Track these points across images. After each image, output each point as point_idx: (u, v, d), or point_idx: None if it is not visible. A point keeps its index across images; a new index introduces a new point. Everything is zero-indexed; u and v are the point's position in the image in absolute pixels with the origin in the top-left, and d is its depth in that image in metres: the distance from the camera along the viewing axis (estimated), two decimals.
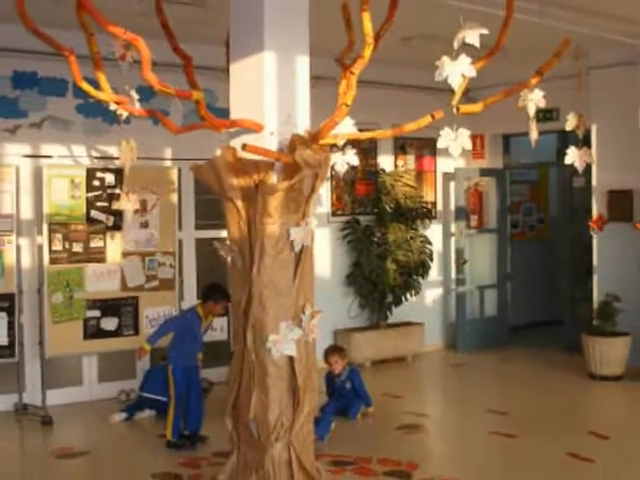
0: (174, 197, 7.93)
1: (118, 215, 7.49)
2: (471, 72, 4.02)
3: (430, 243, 10.04)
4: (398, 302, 9.77)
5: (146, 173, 7.55)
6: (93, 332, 7.50)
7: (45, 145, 7.65)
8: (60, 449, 6.36)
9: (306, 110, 4.77)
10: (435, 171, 10.59)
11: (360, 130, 4.71)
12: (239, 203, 4.64)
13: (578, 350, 8.78)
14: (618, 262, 8.81)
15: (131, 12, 5.69)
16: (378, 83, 9.15)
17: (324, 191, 9.36)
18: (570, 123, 5.06)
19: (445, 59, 3.98)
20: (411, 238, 9.80)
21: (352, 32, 4.98)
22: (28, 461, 6.41)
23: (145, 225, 7.74)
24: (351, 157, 4.81)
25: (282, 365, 4.66)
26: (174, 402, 6.39)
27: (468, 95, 8.36)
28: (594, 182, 9.03)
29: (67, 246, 7.38)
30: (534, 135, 4.73)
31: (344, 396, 7.21)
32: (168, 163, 8.22)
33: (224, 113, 4.98)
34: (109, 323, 7.58)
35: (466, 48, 3.94)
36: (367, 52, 4.25)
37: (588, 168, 6.71)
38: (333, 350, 7.43)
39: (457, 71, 3.99)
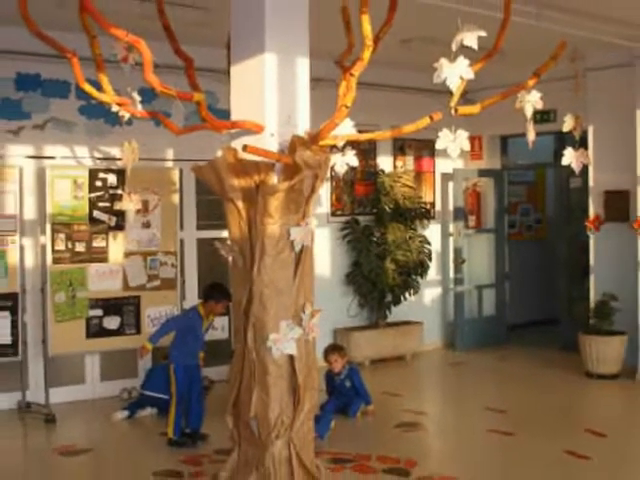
0: (176, 197, 7.93)
1: (120, 215, 7.49)
2: (469, 74, 4.01)
3: (429, 243, 10.04)
4: (397, 301, 9.77)
5: (148, 174, 7.56)
6: (95, 331, 7.50)
7: (48, 146, 7.65)
8: (63, 446, 6.36)
9: (306, 111, 4.77)
10: (434, 172, 10.59)
11: (359, 131, 4.70)
12: (240, 203, 4.64)
13: (575, 349, 8.78)
14: (615, 262, 8.81)
15: (133, 14, 5.70)
16: (377, 85, 9.15)
17: (324, 191, 9.36)
18: (567, 124, 5.05)
19: (443, 61, 3.98)
20: (410, 238, 9.81)
21: (351, 34, 4.98)
22: (31, 458, 6.41)
23: (147, 225, 7.74)
24: (351, 158, 4.80)
25: (282, 364, 4.67)
26: (176, 400, 6.39)
27: (466, 97, 8.35)
28: (591, 183, 9.03)
29: (70, 246, 7.38)
30: (531, 136, 4.73)
31: (344, 394, 7.21)
32: (170, 164, 8.22)
33: (225, 114, 4.98)
34: (111, 322, 7.58)
35: (464, 50, 3.94)
36: (366, 54, 4.25)
37: (585, 169, 6.70)
38: (333, 349, 7.43)
39: (455, 73, 3.99)
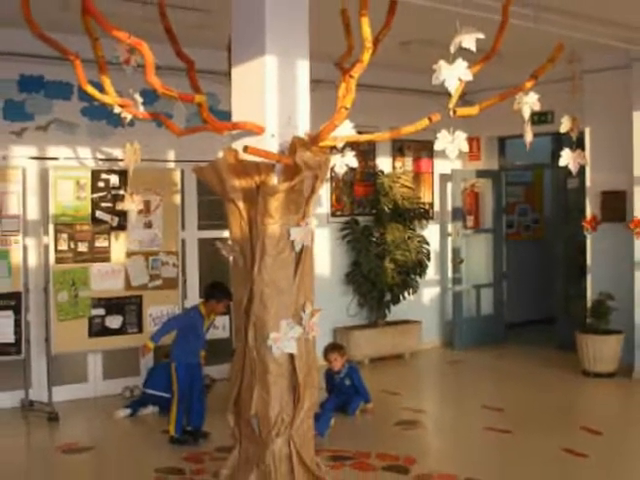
0: (177, 198, 7.93)
1: (122, 215, 7.49)
2: (467, 76, 4.02)
3: (427, 243, 10.05)
4: (396, 301, 9.77)
5: (150, 174, 7.56)
6: (98, 330, 7.50)
7: (51, 147, 7.65)
8: (66, 444, 6.36)
9: (306, 113, 4.77)
10: (432, 172, 10.59)
11: (359, 133, 4.70)
12: (241, 204, 4.64)
13: (572, 348, 8.78)
14: (611, 261, 8.81)
15: (135, 17, 5.69)
16: (377, 87, 9.15)
17: (324, 192, 9.36)
18: (564, 126, 5.06)
19: (442, 63, 3.98)
20: (409, 238, 9.81)
21: (351, 37, 4.98)
22: (35, 456, 6.41)
23: (149, 225, 7.73)
24: (350, 159, 4.81)
25: (283, 362, 4.67)
26: (177, 399, 6.39)
27: (464, 98, 8.31)
28: (588, 183, 9.03)
29: (72, 246, 7.38)
30: (529, 137, 4.73)
31: (343, 393, 7.21)
32: (171, 165, 8.22)
33: (226, 116, 4.98)
34: (113, 321, 7.58)
35: (463, 52, 3.94)
36: (366, 56, 4.25)
37: (582, 170, 6.73)
38: (333, 348, 7.43)
39: (454, 75, 3.99)
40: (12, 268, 7.14)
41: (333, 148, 4.80)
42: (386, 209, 9.67)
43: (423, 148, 10.29)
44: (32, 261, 7.42)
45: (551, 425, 6.78)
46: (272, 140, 4.61)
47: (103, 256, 7.53)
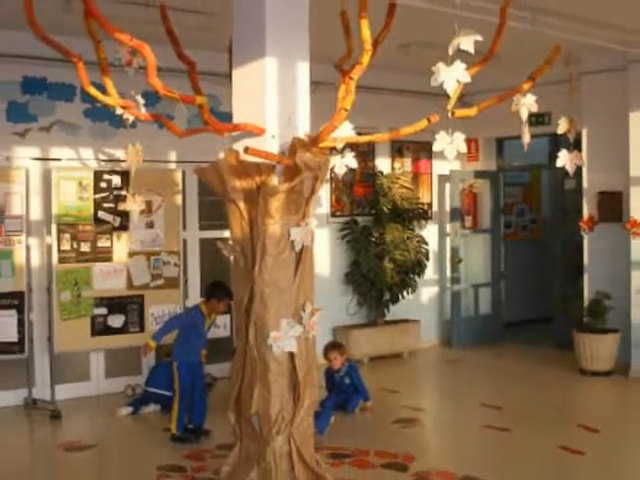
0: (178, 198, 7.93)
1: (124, 216, 7.49)
2: (466, 78, 4.02)
3: (426, 243, 10.04)
4: (395, 300, 9.77)
5: (151, 175, 7.55)
6: (100, 329, 7.50)
7: (54, 148, 7.65)
8: (68, 442, 6.36)
9: (306, 114, 4.77)
10: (431, 173, 10.58)
11: (358, 134, 4.71)
12: (241, 204, 4.64)
13: (569, 346, 8.78)
14: (608, 261, 8.81)
15: (137, 19, 5.69)
16: (376, 88, 9.14)
17: (324, 192, 9.35)
18: (561, 127, 5.06)
19: (441, 65, 3.98)
20: (408, 238, 9.81)
21: (351, 39, 4.98)
22: (37, 454, 6.41)
23: (150, 225, 7.73)
24: (350, 160, 4.81)
25: (283, 361, 4.67)
26: (179, 397, 6.39)
27: (463, 100, 8.28)
28: (585, 184, 9.03)
29: (75, 246, 7.38)
30: (526, 138, 4.73)
31: (343, 391, 7.21)
32: (173, 166, 8.21)
33: (227, 117, 4.99)
34: (116, 320, 7.58)
35: (461, 54, 3.94)
36: (365, 58, 4.25)
37: (579, 170, 6.73)
38: (332, 346, 7.43)
39: (452, 77, 3.99)
40: (15, 268, 7.14)
41: (333, 149, 4.80)
42: (385, 209, 9.67)
43: (422, 149, 10.29)
44: (35, 261, 7.41)
45: (549, 423, 6.78)
46: (272, 141, 4.61)
47: (105, 256, 7.53)
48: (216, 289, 6.55)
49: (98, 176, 7.52)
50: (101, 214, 7.52)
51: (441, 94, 4.29)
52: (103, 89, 4.67)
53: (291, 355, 4.66)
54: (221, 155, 4.67)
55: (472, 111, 4.49)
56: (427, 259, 10.01)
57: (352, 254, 9.64)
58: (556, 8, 6.48)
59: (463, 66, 4.00)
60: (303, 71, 4.78)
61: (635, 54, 8.18)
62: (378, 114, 9.20)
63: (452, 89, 4.04)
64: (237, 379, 4.85)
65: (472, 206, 10.84)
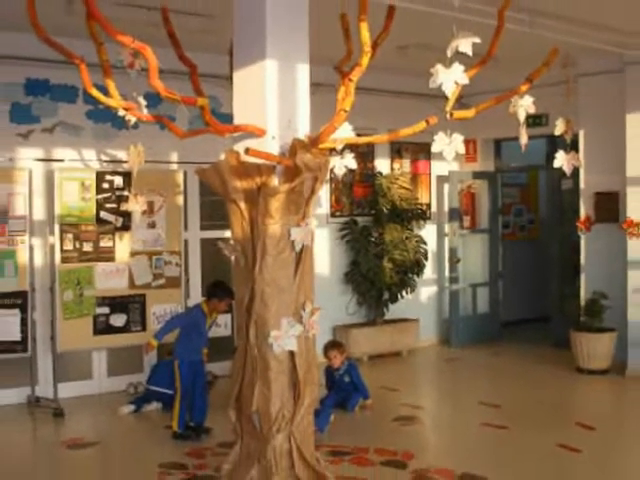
0: (180, 199, 7.93)
1: (126, 216, 7.50)
2: (464, 79, 4.02)
3: (425, 243, 10.04)
4: (394, 299, 9.77)
5: (153, 176, 7.56)
6: (102, 328, 7.50)
7: (57, 149, 7.65)
8: (71, 440, 6.37)
9: (306, 115, 4.77)
10: (430, 174, 10.58)
11: (358, 135, 4.71)
12: (242, 205, 4.64)
13: (566, 345, 8.78)
14: (605, 261, 8.81)
15: (139, 22, 5.70)
16: (375, 90, 9.14)
17: (323, 193, 9.36)
18: (559, 128, 5.05)
19: (439, 67, 3.98)
20: (407, 238, 9.81)
21: (350, 41, 4.98)
22: (40, 451, 6.41)
23: (152, 226, 7.74)
24: (349, 161, 4.81)
25: (283, 360, 4.67)
26: (180, 395, 6.39)
27: (461, 101, 8.32)
28: (582, 185, 9.03)
29: (78, 246, 7.38)
30: (524, 140, 4.73)
31: (343, 389, 7.21)
32: (174, 166, 8.22)
33: (228, 118, 4.99)
34: (118, 319, 7.58)
35: (459, 56, 3.94)
36: (365, 60, 4.25)
37: (576, 171, 6.74)
38: (332, 345, 7.43)
39: (450, 78, 3.99)
40: (18, 267, 7.14)
41: (332, 150, 4.80)
42: (384, 210, 9.67)
43: (421, 150, 10.29)
44: (38, 261, 7.41)
45: (546, 421, 6.78)
46: (273, 142, 4.61)
47: (107, 256, 7.53)
48: (217, 288, 6.55)
49: (100, 177, 7.52)
50: (103, 214, 7.52)
51: (440, 96, 4.29)
52: (105, 91, 4.67)
53: (291, 354, 4.66)
54: (222, 156, 4.67)
55: (470, 113, 4.49)
56: (426, 259, 10.01)
57: (352, 254, 9.64)
58: (554, 10, 6.48)
59: (461, 68, 4.00)
60: (303, 73, 4.78)
61: (632, 56, 8.18)
62: (377, 115, 9.21)
63: (450, 91, 4.04)
64: (238, 377, 4.85)
65: (470, 206, 10.84)
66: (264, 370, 4.65)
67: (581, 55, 8.34)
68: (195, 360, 6.49)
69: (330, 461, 5.53)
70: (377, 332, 9.60)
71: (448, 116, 4.23)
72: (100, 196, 7.50)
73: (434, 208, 10.62)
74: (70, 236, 7.35)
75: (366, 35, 4.17)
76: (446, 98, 4.16)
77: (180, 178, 7.96)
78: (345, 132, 4.59)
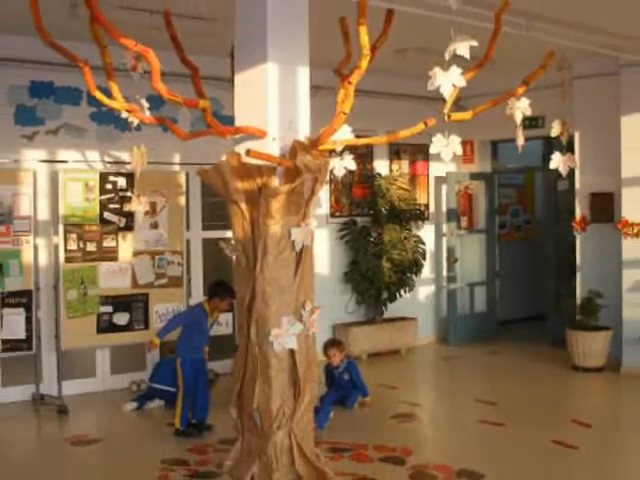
0: (182, 199, 7.93)
1: (129, 216, 7.50)
2: (461, 82, 4.02)
3: (423, 243, 10.04)
4: (393, 298, 9.77)
5: (156, 177, 7.56)
6: (106, 327, 7.50)
7: (61, 151, 7.65)
8: (75, 436, 6.37)
9: (306, 118, 4.77)
10: (428, 175, 10.58)
11: (357, 136, 4.71)
12: (243, 205, 4.64)
13: (562, 344, 8.78)
14: (600, 260, 8.81)
15: (142, 25, 5.69)
16: (374, 92, 9.14)
17: (323, 194, 9.36)
18: (555, 130, 5.06)
19: (437, 70, 3.98)
20: (405, 238, 9.81)
21: (350, 44, 4.98)
22: (45, 448, 6.40)
23: (155, 226, 7.74)
24: (349, 162, 4.81)
25: (284, 358, 4.67)
26: (182, 393, 6.39)
27: (459, 104, 8.36)
28: (577, 185, 9.03)
29: (81, 246, 7.38)
30: (521, 141, 4.73)
31: (342, 387, 7.20)
32: (176, 167, 8.21)
33: (229, 120, 4.99)
34: (121, 318, 7.58)
35: (457, 59, 3.94)
36: (364, 63, 4.25)
37: (572, 172, 6.72)
38: (332, 343, 7.43)
39: (448, 81, 3.99)
40: (23, 267, 7.14)
41: (332, 151, 4.80)
42: (383, 210, 9.67)
43: (419, 151, 10.29)
44: (42, 260, 7.41)
45: (542, 418, 6.78)
46: (273, 144, 4.61)
47: (111, 255, 7.53)
48: (218, 288, 6.55)
49: (104, 178, 7.52)
50: (107, 215, 7.52)
51: (438, 98, 4.29)
52: (109, 93, 4.67)
53: (292, 352, 4.66)
54: (223, 157, 4.67)
55: (468, 114, 4.49)
56: (424, 258, 10.01)
57: (351, 254, 9.64)
58: (550, 14, 6.48)
59: (459, 71, 4.00)
60: (303, 76, 4.78)
61: (626, 59, 8.18)
62: (376, 117, 9.21)
63: (448, 93, 4.04)
64: (239, 375, 4.85)
65: (468, 207, 10.84)
66: (265, 368, 4.65)
67: (576, 58, 8.34)
68: (197, 358, 6.49)
69: (330, 457, 5.54)
70: (376, 331, 9.60)
71: (446, 118, 4.23)
72: (103, 197, 7.50)
73: (432, 208, 10.62)
74: (74, 236, 7.35)
75: (365, 38, 4.17)
76: (444, 100, 4.16)
77: (182, 179, 7.96)
78: (345, 134, 4.59)
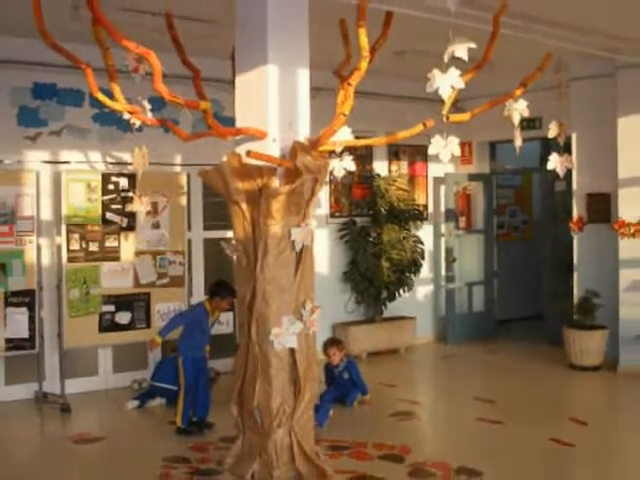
0: (183, 200, 7.93)
1: (131, 217, 7.51)
2: (460, 84, 4.02)
3: (422, 243, 10.04)
4: (392, 298, 9.77)
5: (157, 178, 7.56)
6: (108, 326, 7.50)
7: (64, 152, 7.64)
8: (78, 434, 6.36)
9: (306, 119, 4.78)
10: (426, 176, 10.58)
11: (357, 138, 4.72)
12: (244, 206, 4.64)
13: (559, 342, 8.78)
14: (597, 260, 8.81)
15: (144, 27, 5.69)
16: (373, 94, 9.13)
17: (323, 194, 9.35)
18: (552, 131, 5.06)
19: (436, 72, 3.99)
20: (404, 238, 9.80)
21: (349, 46, 4.99)
22: (48, 446, 6.40)
23: (156, 226, 7.74)
24: (348, 163, 4.81)
25: (284, 356, 4.67)
26: (184, 391, 6.39)
27: (457, 105, 8.36)
28: (574, 186, 9.02)
29: (84, 245, 7.38)
30: (518, 142, 4.74)
31: (342, 385, 7.20)
32: (178, 168, 8.21)
33: (230, 122, 4.99)
34: (123, 317, 7.58)
35: (455, 61, 3.95)
36: (363, 65, 4.25)
37: (569, 173, 6.73)
38: (332, 342, 7.43)
39: (447, 83, 4.00)
40: (26, 267, 7.14)
41: (332, 152, 4.80)
42: (382, 210, 9.67)
43: (418, 152, 10.28)
44: (45, 260, 7.41)
45: (540, 416, 6.78)
46: (274, 145, 4.61)
47: (113, 255, 7.53)
48: (219, 287, 6.55)
49: (106, 178, 7.52)
50: (109, 215, 7.52)
51: (436, 99, 4.29)
52: (111, 95, 4.67)
53: (292, 351, 4.67)
54: (224, 158, 4.68)
55: (466, 116, 4.50)
56: (423, 258, 10.01)
57: (350, 253, 9.64)
58: (548, 16, 6.48)
59: (457, 73, 4.01)
60: (303, 78, 4.78)
61: (623, 61, 8.17)
62: (375, 119, 9.21)
63: (447, 95, 4.05)
64: (240, 374, 4.85)
65: (466, 207, 10.84)
66: (265, 367, 4.65)
67: (574, 60, 8.33)
68: (198, 357, 6.48)
69: (329, 455, 5.53)
70: (375, 330, 9.60)
71: (444, 119, 4.23)
72: (106, 197, 7.50)
73: (431, 209, 10.62)
74: (76, 236, 7.35)
75: (365, 40, 4.17)
76: (442, 102, 4.16)
77: (183, 180, 7.96)
78: (344, 135, 4.60)
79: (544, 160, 5.25)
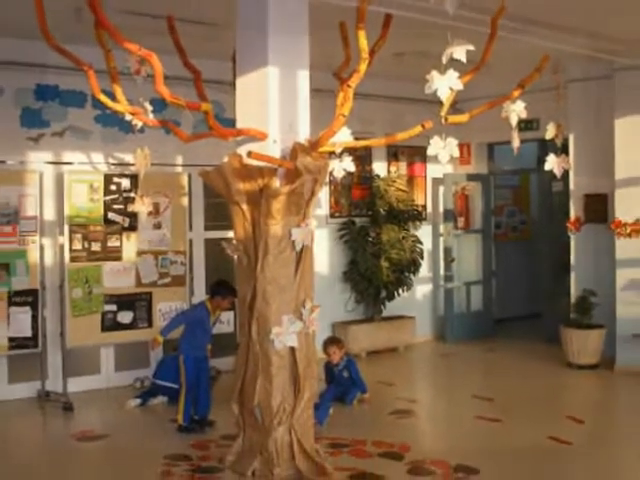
0: (185, 200, 7.93)
1: (133, 217, 7.50)
2: (458, 85, 4.03)
3: (421, 243, 10.04)
4: (391, 297, 9.76)
5: (159, 178, 7.55)
6: (110, 325, 7.50)
7: (66, 153, 7.64)
8: (80, 433, 6.36)
9: (306, 120, 4.78)
10: (425, 176, 10.58)
11: (356, 139, 4.72)
12: (245, 206, 4.64)
13: (557, 341, 8.77)
14: (594, 260, 8.81)
15: (145, 29, 5.70)
16: (373, 95, 9.14)
17: (323, 195, 9.35)
18: (549, 132, 5.07)
19: (434, 73, 3.99)
20: (403, 238, 9.80)
21: (349, 48, 4.99)
22: (51, 444, 6.40)
23: (158, 226, 7.74)
24: (348, 163, 4.82)
25: (284, 355, 4.67)
26: (185, 389, 6.39)
27: (455, 107, 8.32)
28: (571, 187, 9.02)
29: (86, 245, 7.38)
30: (516, 143, 4.74)
31: (341, 384, 7.20)
32: (179, 169, 8.21)
33: (231, 123, 4.99)
34: (125, 316, 7.58)
35: (454, 63, 3.95)
36: (362, 67, 4.26)
37: (566, 174, 6.72)
38: (331, 341, 7.43)
39: (445, 84, 4.00)
40: (29, 267, 7.14)
41: (332, 153, 4.81)
42: (382, 211, 9.67)
43: (416, 153, 10.28)
44: (48, 260, 7.41)
45: (538, 414, 6.77)
46: (274, 146, 4.62)
47: (115, 255, 7.53)
48: (220, 287, 6.55)
49: (108, 179, 7.52)
50: (111, 215, 7.52)
51: (435, 101, 4.30)
52: (113, 96, 4.67)
53: (292, 349, 4.67)
54: (225, 159, 4.68)
55: (464, 117, 4.50)
56: (422, 258, 10.00)
57: (350, 253, 9.64)
58: (545, 19, 6.48)
59: (456, 74, 4.01)
60: (303, 79, 4.79)
61: (621, 63, 8.17)
62: (375, 120, 9.21)
63: (445, 96, 4.05)
64: (240, 372, 4.86)
65: (464, 208, 10.84)
66: (266, 365, 4.66)
67: (571, 62, 8.33)
68: (199, 356, 6.48)
69: (329, 453, 5.53)
70: (375, 329, 9.60)
71: (443, 121, 4.24)
72: (108, 197, 7.50)
73: (429, 209, 10.62)
74: (79, 236, 7.35)
75: (364, 42, 4.17)
76: (441, 103, 4.16)
77: (185, 180, 7.96)
78: (344, 136, 4.60)
79: (541, 161, 5.26)
